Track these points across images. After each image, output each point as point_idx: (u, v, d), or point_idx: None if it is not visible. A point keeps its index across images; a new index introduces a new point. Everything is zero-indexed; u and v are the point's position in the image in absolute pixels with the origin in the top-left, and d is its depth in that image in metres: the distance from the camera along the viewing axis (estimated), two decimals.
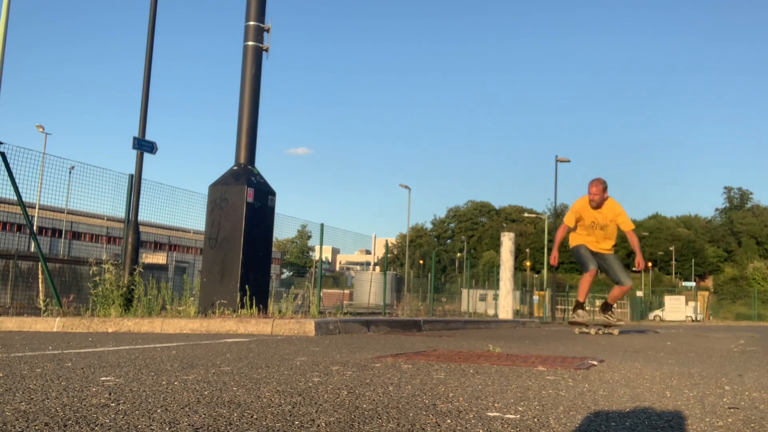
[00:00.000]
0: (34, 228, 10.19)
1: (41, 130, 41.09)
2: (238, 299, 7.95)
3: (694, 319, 50.08)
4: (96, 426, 1.85)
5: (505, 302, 20.06)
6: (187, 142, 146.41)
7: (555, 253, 9.59)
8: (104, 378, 2.83)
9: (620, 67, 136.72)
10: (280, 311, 8.08)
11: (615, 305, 9.82)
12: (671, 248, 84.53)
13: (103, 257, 8.84)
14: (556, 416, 2.16)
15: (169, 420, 1.95)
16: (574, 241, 9.65)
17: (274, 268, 40.53)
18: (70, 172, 10.31)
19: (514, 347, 5.57)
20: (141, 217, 9.97)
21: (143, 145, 9.74)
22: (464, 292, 29.73)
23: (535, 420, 2.09)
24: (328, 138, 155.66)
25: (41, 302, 9.08)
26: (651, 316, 52.36)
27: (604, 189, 9.37)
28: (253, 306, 7.96)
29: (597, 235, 9.53)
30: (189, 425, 1.89)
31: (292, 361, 3.68)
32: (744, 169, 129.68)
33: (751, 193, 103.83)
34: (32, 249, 14.95)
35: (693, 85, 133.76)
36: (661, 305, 54.19)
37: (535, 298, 35.90)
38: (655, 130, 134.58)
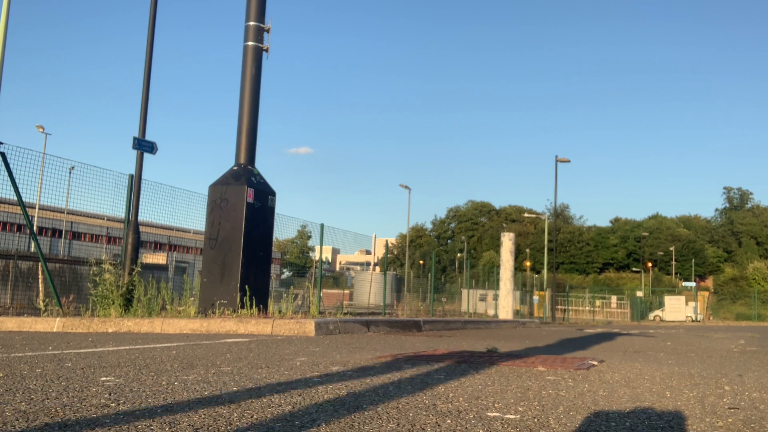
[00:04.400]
0: (34, 228, 10.19)
1: (41, 130, 41.10)
2: (238, 299, 7.94)
3: (694, 319, 50.06)
4: (96, 426, 1.85)
5: (505, 302, 20.05)
6: (187, 142, 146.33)
7: None
8: (104, 378, 2.83)
9: (620, 66, 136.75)
10: (280, 311, 8.08)
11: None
12: (671, 248, 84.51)
13: (103, 257, 8.83)
14: (556, 416, 2.16)
15: (169, 420, 1.95)
16: None
17: (274, 269, 40.52)
18: (70, 173, 10.31)
19: (514, 347, 5.57)
20: (141, 217, 9.96)
21: (143, 145, 9.74)
22: (464, 292, 29.74)
23: (535, 420, 2.09)
24: (329, 138, 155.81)
25: (41, 302, 9.08)
26: (651, 316, 52.33)
27: None
28: (253, 306, 7.96)
29: None
30: (189, 425, 1.89)
31: (292, 362, 3.67)
32: (744, 169, 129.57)
33: (751, 194, 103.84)
34: (32, 249, 14.96)
35: (692, 85, 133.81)
36: (661, 305, 54.14)
37: (535, 298, 35.88)
38: (655, 130, 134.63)
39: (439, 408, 2.25)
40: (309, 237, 79.11)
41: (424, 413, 2.15)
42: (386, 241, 27.50)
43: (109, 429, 1.83)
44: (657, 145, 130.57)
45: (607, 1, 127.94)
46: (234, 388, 2.59)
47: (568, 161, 33.19)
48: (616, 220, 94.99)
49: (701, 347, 6.48)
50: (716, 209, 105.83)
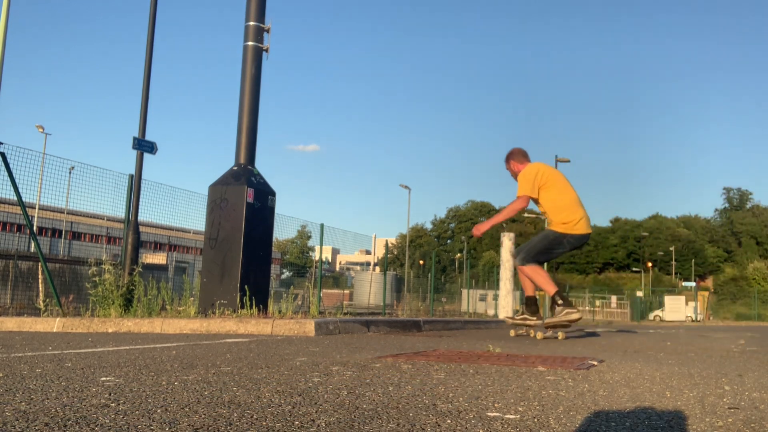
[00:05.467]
0: (34, 228, 10.18)
1: (41, 130, 41.08)
2: (238, 299, 7.94)
3: (694, 319, 50.03)
4: (96, 426, 1.85)
5: (505, 302, 20.05)
6: (187, 142, 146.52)
7: None
8: (104, 378, 2.83)
9: (620, 67, 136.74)
10: (280, 311, 8.08)
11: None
12: (671, 248, 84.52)
13: (103, 257, 8.83)
14: (556, 416, 2.16)
15: (169, 420, 1.95)
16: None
17: (274, 269, 40.50)
18: (70, 173, 10.31)
19: (514, 347, 5.57)
20: (141, 218, 9.97)
21: (143, 145, 9.74)
22: (464, 292, 29.73)
23: (535, 420, 2.09)
24: (329, 138, 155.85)
25: (41, 302, 9.08)
26: (651, 316, 52.31)
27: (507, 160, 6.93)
28: (253, 306, 7.96)
29: None
30: (189, 425, 1.89)
31: (292, 362, 3.68)
32: (744, 169, 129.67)
33: (751, 194, 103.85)
34: (32, 249, 14.96)
35: (692, 86, 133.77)
36: (661, 305, 54.13)
37: None
38: (655, 130, 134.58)
39: (439, 408, 2.25)
40: (309, 237, 79.17)
41: (424, 413, 2.15)
42: (386, 241, 27.47)
43: (109, 429, 1.83)
44: (657, 145, 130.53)
45: (608, 1, 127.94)
46: (234, 388, 2.59)
47: (568, 161, 33.21)
48: (616, 220, 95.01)
49: (701, 347, 6.49)
50: (716, 209, 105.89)
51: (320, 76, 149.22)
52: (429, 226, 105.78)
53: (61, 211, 34.61)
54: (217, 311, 7.82)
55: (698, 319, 50.41)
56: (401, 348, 5.01)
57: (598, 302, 47.36)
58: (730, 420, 2.18)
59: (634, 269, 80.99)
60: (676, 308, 52.14)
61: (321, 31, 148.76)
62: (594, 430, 1.97)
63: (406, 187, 50.96)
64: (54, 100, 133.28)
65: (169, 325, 7.03)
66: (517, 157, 6.56)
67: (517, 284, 31.68)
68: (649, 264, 75.65)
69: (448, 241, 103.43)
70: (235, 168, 8.60)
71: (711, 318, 56.36)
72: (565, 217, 6.34)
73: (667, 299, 53.78)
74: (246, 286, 8.03)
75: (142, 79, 10.02)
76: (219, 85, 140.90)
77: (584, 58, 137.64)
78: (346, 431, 1.87)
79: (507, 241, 20.27)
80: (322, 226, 16.24)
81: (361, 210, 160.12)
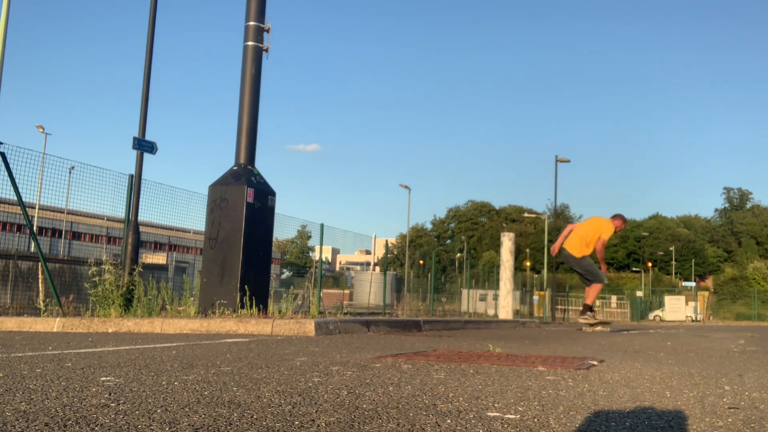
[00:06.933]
0: (34, 228, 10.18)
1: (41, 130, 41.07)
2: (238, 299, 7.94)
3: (694, 319, 50.02)
4: (96, 426, 1.86)
5: (505, 302, 20.04)
6: (187, 142, 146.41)
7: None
8: (104, 378, 2.83)
9: (620, 67, 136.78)
10: (280, 311, 8.08)
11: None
12: (671, 248, 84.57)
13: (103, 257, 8.83)
14: (556, 416, 2.16)
15: (169, 420, 1.95)
16: None
17: (274, 268, 40.49)
18: (70, 172, 10.30)
19: (514, 347, 5.57)
20: (141, 217, 9.96)
21: (143, 145, 9.74)
22: (464, 292, 29.71)
23: (535, 420, 2.09)
24: (330, 137, 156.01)
25: (41, 302, 9.08)
26: (651, 316, 52.32)
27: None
28: (253, 306, 7.96)
29: None
30: (189, 425, 1.89)
31: (292, 362, 3.68)
32: (744, 169, 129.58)
33: (751, 194, 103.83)
34: (32, 249, 14.95)
35: (693, 86, 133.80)
36: (661, 305, 54.13)
37: (535, 298, 35.84)
38: (656, 130, 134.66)
39: (439, 408, 2.25)
40: (309, 237, 79.14)
41: (424, 413, 2.15)
42: (386, 241, 27.44)
43: (109, 429, 1.83)
44: (657, 145, 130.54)
45: (607, 3, 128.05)
46: (234, 388, 2.59)
47: (568, 161, 33.21)
48: None
49: (701, 347, 6.49)
50: (716, 209, 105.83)
51: (321, 75, 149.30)
52: (429, 226, 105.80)
53: (61, 211, 34.60)
54: (217, 311, 7.82)
55: (698, 319, 50.40)
56: (401, 348, 5.01)
57: (598, 302, 47.34)
58: (730, 420, 2.18)
59: (634, 269, 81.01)
60: (676, 308, 52.13)
61: (322, 31, 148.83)
62: (594, 430, 1.97)
63: (406, 187, 50.98)
64: (54, 100, 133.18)
65: (169, 325, 7.03)
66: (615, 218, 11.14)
67: (516, 284, 31.73)
68: (649, 264, 75.65)
69: (448, 241, 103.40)
70: (235, 168, 8.60)
71: (711, 318, 56.34)
72: None
73: (667, 299, 53.78)
74: (246, 286, 8.03)
75: (142, 78, 10.03)
76: (219, 84, 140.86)
77: (585, 58, 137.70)
78: (346, 431, 1.87)
79: (507, 241, 20.28)
80: (322, 226, 16.24)
81: (361, 210, 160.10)
